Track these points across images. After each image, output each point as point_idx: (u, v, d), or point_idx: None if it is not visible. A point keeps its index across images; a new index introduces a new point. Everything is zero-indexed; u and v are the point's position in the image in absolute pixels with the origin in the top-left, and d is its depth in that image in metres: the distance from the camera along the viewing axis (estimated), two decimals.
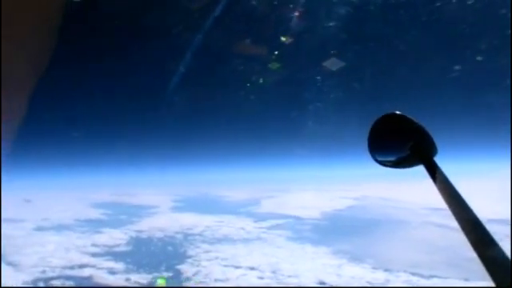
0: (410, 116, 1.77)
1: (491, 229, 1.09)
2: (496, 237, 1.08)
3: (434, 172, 1.60)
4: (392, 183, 37.07)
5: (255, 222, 34.00)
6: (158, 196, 43.86)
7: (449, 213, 1.23)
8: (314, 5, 22.54)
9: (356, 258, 24.07)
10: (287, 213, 36.62)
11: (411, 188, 33.48)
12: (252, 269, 23.49)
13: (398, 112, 1.79)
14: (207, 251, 27.24)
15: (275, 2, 22.53)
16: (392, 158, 1.89)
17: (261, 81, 30.14)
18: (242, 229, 32.07)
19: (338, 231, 31.05)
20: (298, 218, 35.35)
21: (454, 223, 1.16)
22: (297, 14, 21.86)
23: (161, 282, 22.62)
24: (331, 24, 22.03)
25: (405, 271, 21.90)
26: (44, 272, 23.53)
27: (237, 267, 24.03)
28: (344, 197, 42.45)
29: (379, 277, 21.79)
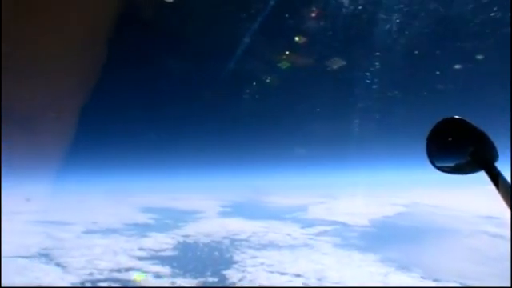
0: (469, 120, 1.76)
1: None
2: None
3: (497, 178, 1.61)
4: (443, 190, 35.95)
5: (302, 228, 33.30)
6: (206, 201, 43.95)
7: (503, 222, 0.80)
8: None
9: (404, 267, 23.21)
10: (335, 219, 35.88)
11: (463, 195, 32.31)
12: (298, 276, 22.97)
13: (457, 116, 1.80)
14: (253, 257, 26.91)
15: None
16: (451, 164, 1.87)
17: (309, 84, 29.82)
18: (289, 235, 31.45)
19: (387, 239, 30.09)
20: (345, 225, 34.50)
21: (509, 233, 0.74)
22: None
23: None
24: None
25: (454, 282, 21.06)
26: (91, 274, 23.73)
27: (282, 274, 23.56)
28: (393, 203, 41.26)
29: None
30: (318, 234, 31.42)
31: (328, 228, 33.24)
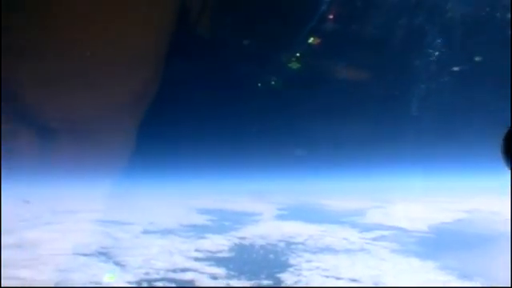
0: None
1: None
2: None
3: None
4: (506, 197, 34.16)
5: (359, 232, 32.37)
6: (263, 203, 43.77)
7: None
8: None
9: (465, 276, 22.05)
10: (393, 224, 34.71)
11: None
12: (353, 280, 22.35)
13: None
14: (309, 260, 26.50)
15: None
16: None
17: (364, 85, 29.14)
18: (346, 239, 30.68)
19: (446, 245, 28.48)
20: (403, 230, 33.20)
21: None
22: None
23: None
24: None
25: None
26: (148, 274, 24.03)
27: (338, 278, 23.03)
28: (453, 209, 39.64)
29: None
30: (376, 239, 30.55)
31: (386, 233, 32.29)
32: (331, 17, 20.29)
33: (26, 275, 22.48)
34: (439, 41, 22.76)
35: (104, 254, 26.91)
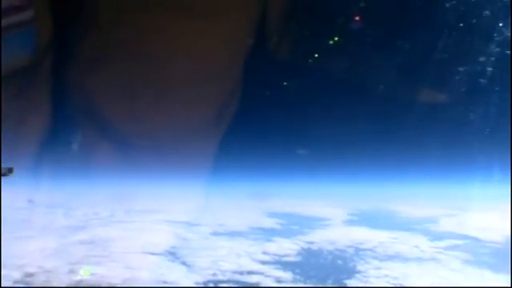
0: None
1: None
2: None
3: None
4: None
5: (431, 240, 30.77)
6: (333, 208, 43.06)
7: None
8: None
9: None
10: (466, 233, 33.08)
11: None
12: None
13: None
14: (377, 268, 25.83)
15: None
16: None
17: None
18: (416, 247, 29.37)
19: None
20: (477, 240, 31.18)
21: None
22: None
23: (84, 273, 22.46)
24: None
25: None
26: (214, 275, 24.33)
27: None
28: None
29: None
30: (447, 248, 29.06)
31: (458, 242, 30.66)
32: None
33: (98, 271, 23.52)
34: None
35: (172, 254, 27.49)
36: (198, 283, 23.28)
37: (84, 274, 22.84)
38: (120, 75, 16.30)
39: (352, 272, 25.19)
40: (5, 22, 9.91)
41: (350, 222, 39.05)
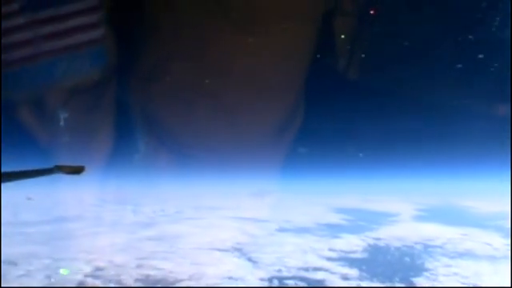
0: None
1: None
2: None
3: None
4: None
5: (504, 237, 29.56)
6: (401, 203, 42.16)
7: None
8: None
9: None
10: None
11: None
12: None
13: None
14: (447, 265, 25.21)
15: None
16: None
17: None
18: (489, 244, 28.18)
19: None
20: None
21: None
22: None
23: (63, 272, 22.36)
24: None
25: None
26: (280, 271, 24.59)
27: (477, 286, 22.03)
28: None
29: None
30: None
31: None
32: None
33: (165, 266, 24.43)
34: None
35: (238, 250, 28.10)
36: (262, 279, 23.64)
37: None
38: (181, 88, 16.79)
39: (420, 269, 24.75)
40: (77, 39, 10.53)
41: (418, 218, 38.12)
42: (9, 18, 9.98)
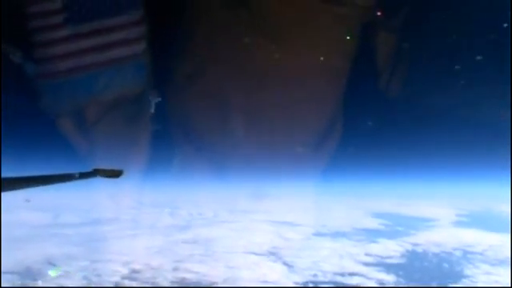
0: None
1: None
2: None
3: None
4: None
5: None
6: (441, 209, 41.43)
7: None
8: None
9: None
10: None
11: None
12: None
13: None
14: (487, 273, 24.67)
15: None
16: None
17: None
18: None
19: None
20: None
21: None
22: None
23: (52, 273, 22.30)
24: None
25: None
26: (315, 276, 24.60)
27: None
28: None
29: None
30: None
31: None
32: None
33: (200, 269, 24.73)
34: None
35: (274, 254, 28.17)
36: (297, 283, 23.61)
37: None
38: (219, 97, 17.05)
39: (459, 276, 24.31)
40: (119, 52, 10.86)
41: (458, 224, 37.29)
42: (53, 30, 10.38)
